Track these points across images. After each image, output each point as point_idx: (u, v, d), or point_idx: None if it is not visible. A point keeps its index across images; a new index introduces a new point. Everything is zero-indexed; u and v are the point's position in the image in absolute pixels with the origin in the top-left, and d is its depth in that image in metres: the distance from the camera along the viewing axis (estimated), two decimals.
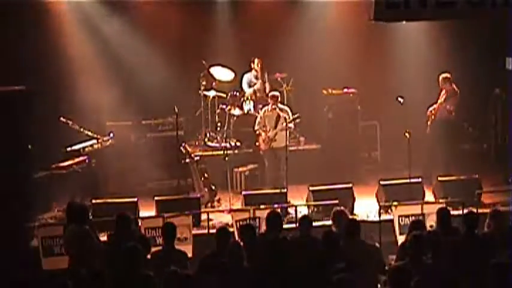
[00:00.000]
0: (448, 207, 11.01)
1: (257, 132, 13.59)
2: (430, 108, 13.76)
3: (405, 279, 7.34)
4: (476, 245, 8.74)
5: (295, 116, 13.34)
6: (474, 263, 8.41)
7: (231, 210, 12.01)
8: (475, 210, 10.23)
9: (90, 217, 10.67)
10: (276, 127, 13.28)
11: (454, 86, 13.67)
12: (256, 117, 13.80)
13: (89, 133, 13.38)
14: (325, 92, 14.95)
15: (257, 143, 13.88)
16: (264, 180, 13.72)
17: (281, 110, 13.42)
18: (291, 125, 13.34)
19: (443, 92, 13.67)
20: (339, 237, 8.65)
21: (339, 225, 9.12)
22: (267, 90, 14.79)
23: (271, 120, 13.35)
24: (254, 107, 14.68)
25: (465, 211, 10.12)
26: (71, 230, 9.45)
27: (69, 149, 13.09)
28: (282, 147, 13.18)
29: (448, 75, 13.67)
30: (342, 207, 9.99)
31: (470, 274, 8.18)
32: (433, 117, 13.71)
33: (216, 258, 8.35)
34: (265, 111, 13.56)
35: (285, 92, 14.97)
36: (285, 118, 13.16)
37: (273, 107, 13.39)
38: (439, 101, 13.69)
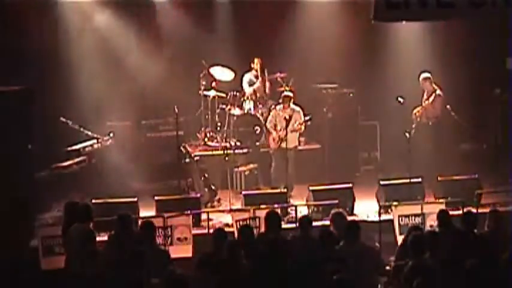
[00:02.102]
0: (448, 207, 11.06)
1: (269, 130, 13.53)
2: (415, 111, 13.73)
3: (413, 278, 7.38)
4: (475, 244, 8.74)
5: (307, 117, 13.28)
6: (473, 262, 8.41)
7: (231, 210, 12.01)
8: (474, 210, 10.23)
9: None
10: (287, 127, 13.22)
11: (435, 85, 13.67)
12: (263, 115, 13.78)
13: (89, 133, 13.38)
14: (324, 91, 14.96)
15: (257, 143, 13.88)
16: (269, 179, 13.68)
17: (293, 110, 13.32)
18: (303, 126, 13.28)
19: (425, 92, 13.70)
20: (336, 236, 8.66)
21: (338, 227, 9.11)
22: (267, 90, 14.80)
23: (282, 120, 13.30)
24: (254, 106, 14.68)
25: (464, 211, 10.12)
26: (76, 229, 9.40)
27: (69, 149, 13.09)
28: (291, 148, 13.16)
29: (428, 75, 13.71)
30: (341, 209, 9.99)
31: (469, 274, 8.17)
32: (418, 119, 13.65)
33: (213, 257, 8.35)
34: (277, 110, 13.49)
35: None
36: (299, 119, 13.13)
37: (285, 106, 13.31)
38: (423, 104, 13.70)
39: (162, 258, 8.75)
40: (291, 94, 13.54)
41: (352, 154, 14.89)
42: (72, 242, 9.31)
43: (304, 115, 13.35)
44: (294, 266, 8.14)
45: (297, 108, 13.39)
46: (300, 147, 14.40)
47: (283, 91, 13.95)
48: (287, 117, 13.09)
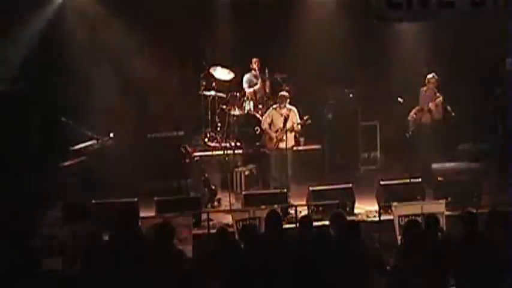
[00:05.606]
0: (448, 208, 11.06)
1: (264, 130, 13.48)
2: (412, 113, 13.59)
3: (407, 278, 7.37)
4: (475, 245, 8.73)
5: (306, 118, 13.24)
6: (473, 263, 8.42)
7: (231, 210, 12.01)
8: (474, 211, 10.20)
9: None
10: (284, 127, 13.21)
11: (436, 89, 13.49)
12: (263, 115, 13.73)
13: (89, 133, 13.38)
14: (325, 92, 14.97)
15: (257, 143, 13.86)
16: (267, 180, 13.67)
17: (289, 110, 13.27)
18: (299, 126, 13.25)
19: (425, 91, 13.51)
20: (333, 237, 8.66)
21: (338, 228, 9.10)
22: (267, 90, 14.80)
23: (279, 121, 13.29)
24: (254, 107, 14.68)
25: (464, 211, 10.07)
26: (79, 228, 9.37)
27: (69, 149, 13.08)
28: (288, 148, 13.14)
29: (436, 76, 13.50)
30: (341, 210, 9.98)
31: (469, 275, 8.18)
32: (419, 120, 13.51)
33: (215, 258, 8.36)
34: (273, 110, 13.46)
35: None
36: (295, 118, 13.10)
37: (282, 106, 13.28)
38: (424, 107, 13.54)
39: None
40: (287, 94, 13.52)
41: (352, 154, 14.90)
42: (74, 241, 9.31)
43: (301, 116, 13.32)
44: (293, 266, 8.14)
45: (293, 108, 13.37)
46: (300, 148, 14.43)
47: (282, 91, 13.94)
48: (286, 116, 13.07)
